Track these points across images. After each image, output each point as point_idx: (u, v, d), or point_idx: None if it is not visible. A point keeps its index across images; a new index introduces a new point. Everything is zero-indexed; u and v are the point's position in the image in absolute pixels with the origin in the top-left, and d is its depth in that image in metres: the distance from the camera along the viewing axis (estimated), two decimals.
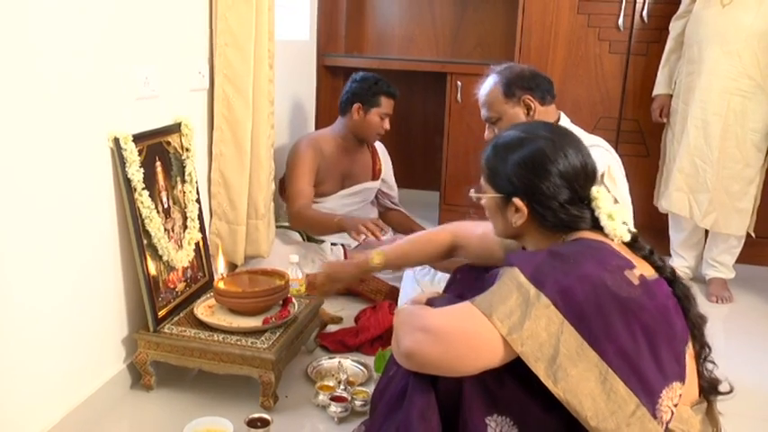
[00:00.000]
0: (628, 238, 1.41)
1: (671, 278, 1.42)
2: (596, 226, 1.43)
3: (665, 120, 3.36)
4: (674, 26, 3.30)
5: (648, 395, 1.25)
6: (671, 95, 3.32)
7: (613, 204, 1.43)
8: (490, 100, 2.28)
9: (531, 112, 2.24)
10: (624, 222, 1.41)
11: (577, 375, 1.23)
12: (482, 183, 1.55)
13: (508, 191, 1.46)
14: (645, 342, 1.26)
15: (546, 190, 1.41)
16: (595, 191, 1.44)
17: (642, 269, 1.34)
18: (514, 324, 1.26)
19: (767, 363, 2.59)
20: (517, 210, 1.45)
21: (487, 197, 1.53)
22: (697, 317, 1.42)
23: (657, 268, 1.41)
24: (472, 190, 1.64)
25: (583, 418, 1.23)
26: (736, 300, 3.25)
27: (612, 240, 1.40)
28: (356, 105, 3.15)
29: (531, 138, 1.46)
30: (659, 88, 3.37)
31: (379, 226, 2.88)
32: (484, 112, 2.32)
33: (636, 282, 1.28)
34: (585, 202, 1.44)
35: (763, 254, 3.65)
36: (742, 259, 3.34)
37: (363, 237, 2.82)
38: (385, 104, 3.16)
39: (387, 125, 3.18)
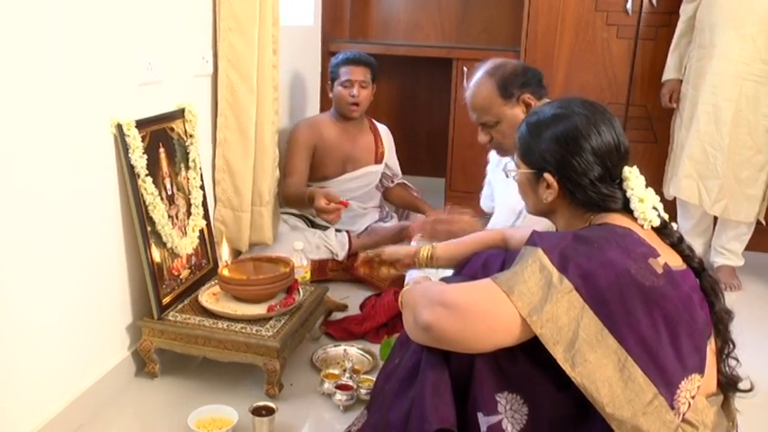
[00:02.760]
0: (657, 223, 1.39)
1: (698, 269, 1.40)
2: (626, 207, 1.41)
3: (674, 105, 3.32)
4: (685, 9, 3.26)
5: (667, 386, 1.23)
6: (681, 80, 3.28)
7: (645, 187, 1.41)
8: (486, 104, 2.13)
9: (530, 110, 2.08)
10: (654, 207, 1.40)
11: (596, 361, 1.22)
12: (515, 159, 1.55)
13: (540, 166, 1.45)
14: (666, 332, 1.24)
15: (577, 166, 1.40)
16: (627, 171, 1.42)
17: (667, 258, 1.32)
18: (535, 306, 1.25)
19: None
20: (548, 185, 1.44)
21: (520, 172, 1.52)
22: (722, 311, 1.39)
23: (685, 257, 1.39)
24: (505, 165, 1.60)
25: (599, 404, 1.22)
26: (744, 287, 3.22)
27: (641, 225, 1.38)
28: (327, 85, 3.26)
29: (565, 114, 1.44)
30: (669, 73, 3.33)
31: (332, 201, 2.80)
32: (478, 117, 2.16)
33: (660, 271, 1.27)
34: (617, 181, 1.42)
35: None
36: (750, 247, 3.31)
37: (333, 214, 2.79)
38: (343, 73, 3.16)
39: (355, 92, 3.13)
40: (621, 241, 1.30)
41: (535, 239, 1.33)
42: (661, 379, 1.23)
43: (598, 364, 1.22)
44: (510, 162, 1.60)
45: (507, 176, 1.62)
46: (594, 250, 1.27)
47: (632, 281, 1.24)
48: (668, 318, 1.25)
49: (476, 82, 2.17)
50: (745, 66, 2.96)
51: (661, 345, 1.24)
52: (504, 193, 2.28)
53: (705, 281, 1.39)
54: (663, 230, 1.40)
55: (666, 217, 1.42)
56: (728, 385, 1.42)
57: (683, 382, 1.26)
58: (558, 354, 1.24)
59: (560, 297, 1.25)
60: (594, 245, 1.28)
